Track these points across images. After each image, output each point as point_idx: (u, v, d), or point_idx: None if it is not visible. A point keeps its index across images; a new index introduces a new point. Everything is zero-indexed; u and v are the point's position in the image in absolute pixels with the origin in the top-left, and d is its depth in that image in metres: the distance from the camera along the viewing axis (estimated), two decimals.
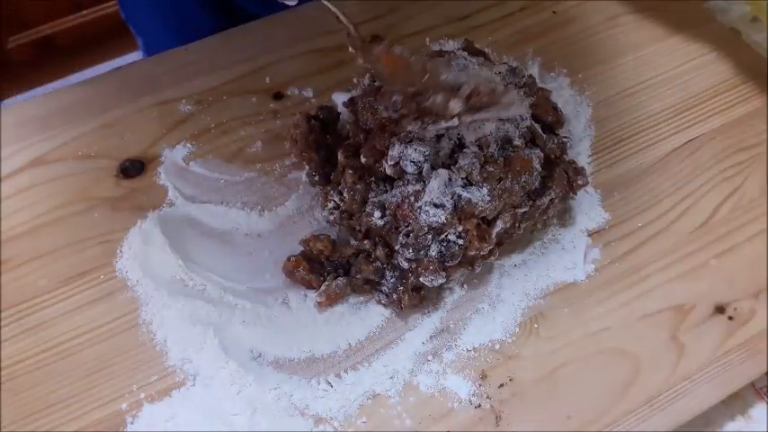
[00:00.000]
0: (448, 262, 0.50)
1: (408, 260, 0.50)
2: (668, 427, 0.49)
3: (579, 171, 0.56)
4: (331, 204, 0.55)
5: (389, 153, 0.50)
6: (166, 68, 0.67)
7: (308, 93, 0.66)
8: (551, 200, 0.54)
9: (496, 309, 0.53)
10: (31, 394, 0.49)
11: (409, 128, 0.49)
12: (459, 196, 0.49)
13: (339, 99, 0.64)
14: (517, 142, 0.52)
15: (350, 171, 0.53)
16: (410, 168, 0.50)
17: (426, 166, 0.50)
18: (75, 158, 0.61)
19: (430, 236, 0.49)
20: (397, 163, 0.50)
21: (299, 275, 0.53)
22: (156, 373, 0.50)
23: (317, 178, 0.58)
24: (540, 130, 0.54)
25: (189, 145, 0.62)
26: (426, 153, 0.50)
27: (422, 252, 0.49)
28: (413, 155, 0.50)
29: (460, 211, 0.49)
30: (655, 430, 0.49)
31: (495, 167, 0.50)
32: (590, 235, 0.58)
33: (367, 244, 0.53)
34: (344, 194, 0.53)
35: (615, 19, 0.73)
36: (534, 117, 0.55)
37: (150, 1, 0.81)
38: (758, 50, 0.72)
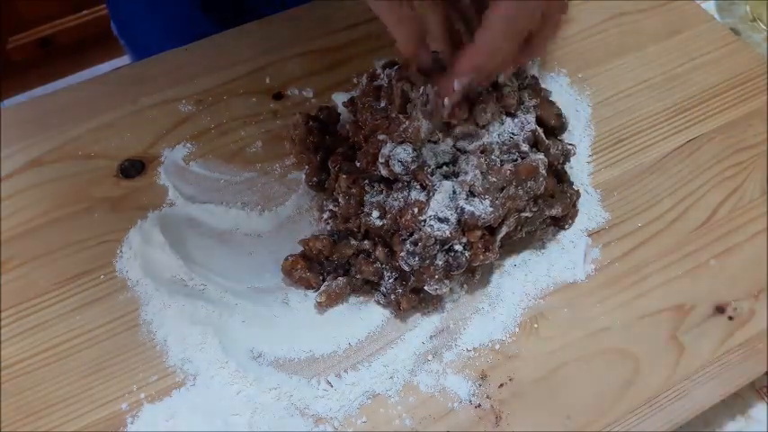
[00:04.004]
0: (454, 271, 0.50)
1: (411, 266, 0.50)
2: (668, 427, 0.49)
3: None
4: (326, 215, 0.55)
5: (381, 151, 0.50)
6: (166, 68, 0.67)
7: (308, 93, 0.66)
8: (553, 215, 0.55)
9: (496, 309, 0.53)
10: (31, 394, 0.49)
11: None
12: (463, 209, 0.49)
13: (339, 99, 0.64)
14: (524, 148, 0.52)
15: (343, 176, 0.53)
16: (398, 168, 0.50)
17: (437, 177, 0.50)
18: (74, 159, 0.61)
19: (437, 246, 0.49)
20: (387, 161, 0.50)
21: (297, 275, 0.53)
22: (156, 373, 0.50)
23: (313, 183, 0.58)
24: (543, 136, 0.54)
25: (189, 145, 0.62)
26: (413, 155, 0.50)
27: (427, 261, 0.49)
28: (401, 154, 0.50)
29: (464, 224, 0.49)
30: (655, 430, 0.49)
31: (498, 177, 0.50)
32: (590, 235, 0.57)
33: (367, 244, 0.53)
34: (339, 200, 0.54)
35: (615, 19, 0.73)
36: (537, 120, 0.55)
37: (148, 10, 0.80)
38: (758, 50, 0.72)
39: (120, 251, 0.55)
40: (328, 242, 0.53)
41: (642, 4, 0.74)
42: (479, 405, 0.49)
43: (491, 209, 0.49)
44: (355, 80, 0.66)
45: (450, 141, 0.51)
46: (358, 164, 0.53)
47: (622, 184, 0.61)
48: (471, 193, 0.50)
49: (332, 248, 0.53)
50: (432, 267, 0.49)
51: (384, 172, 0.51)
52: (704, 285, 0.55)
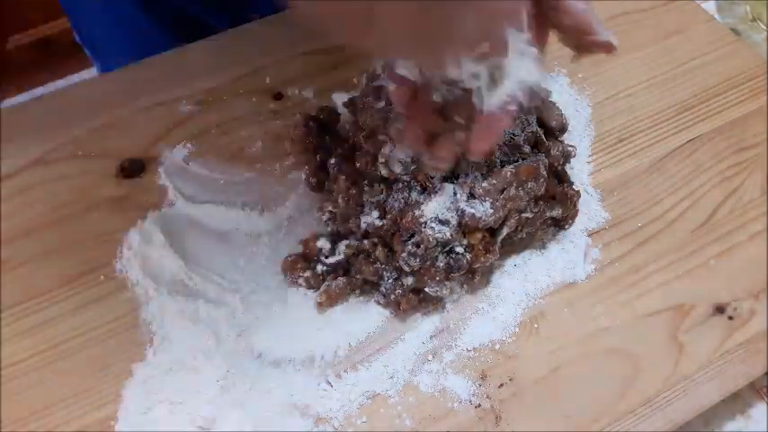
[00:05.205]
0: (454, 273, 0.50)
1: (412, 267, 0.50)
2: (668, 427, 0.49)
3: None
4: (326, 216, 0.55)
5: (381, 151, 0.50)
6: (166, 69, 0.67)
7: (308, 93, 0.66)
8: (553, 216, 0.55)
9: (496, 309, 0.53)
10: (31, 394, 0.49)
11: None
12: (463, 211, 0.49)
13: (339, 99, 0.64)
14: (525, 149, 0.52)
15: (343, 177, 0.53)
16: (397, 168, 0.50)
17: (437, 179, 0.50)
18: (75, 158, 0.61)
19: (438, 248, 0.49)
20: (387, 161, 0.50)
21: (296, 275, 0.53)
22: None
23: (312, 183, 0.58)
24: (543, 137, 0.54)
25: (189, 145, 0.62)
26: (413, 155, 0.50)
27: (428, 262, 0.49)
28: (400, 154, 0.50)
29: (464, 226, 0.49)
30: (655, 430, 0.49)
31: (498, 179, 0.50)
32: (590, 235, 0.57)
33: (367, 244, 0.53)
34: (339, 200, 0.54)
35: (615, 19, 0.73)
36: (538, 121, 0.55)
37: (106, 21, 0.80)
38: (758, 50, 0.72)
39: (120, 251, 0.55)
40: (328, 242, 0.53)
41: (642, 4, 0.74)
42: (479, 405, 0.49)
43: (491, 210, 0.49)
44: (355, 80, 0.66)
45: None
46: (358, 164, 0.53)
47: (622, 184, 0.61)
48: (472, 195, 0.50)
49: (332, 248, 0.53)
50: (432, 269, 0.49)
51: (384, 172, 0.51)
52: (704, 285, 0.55)
